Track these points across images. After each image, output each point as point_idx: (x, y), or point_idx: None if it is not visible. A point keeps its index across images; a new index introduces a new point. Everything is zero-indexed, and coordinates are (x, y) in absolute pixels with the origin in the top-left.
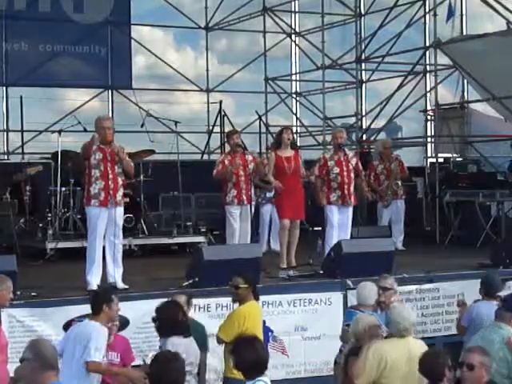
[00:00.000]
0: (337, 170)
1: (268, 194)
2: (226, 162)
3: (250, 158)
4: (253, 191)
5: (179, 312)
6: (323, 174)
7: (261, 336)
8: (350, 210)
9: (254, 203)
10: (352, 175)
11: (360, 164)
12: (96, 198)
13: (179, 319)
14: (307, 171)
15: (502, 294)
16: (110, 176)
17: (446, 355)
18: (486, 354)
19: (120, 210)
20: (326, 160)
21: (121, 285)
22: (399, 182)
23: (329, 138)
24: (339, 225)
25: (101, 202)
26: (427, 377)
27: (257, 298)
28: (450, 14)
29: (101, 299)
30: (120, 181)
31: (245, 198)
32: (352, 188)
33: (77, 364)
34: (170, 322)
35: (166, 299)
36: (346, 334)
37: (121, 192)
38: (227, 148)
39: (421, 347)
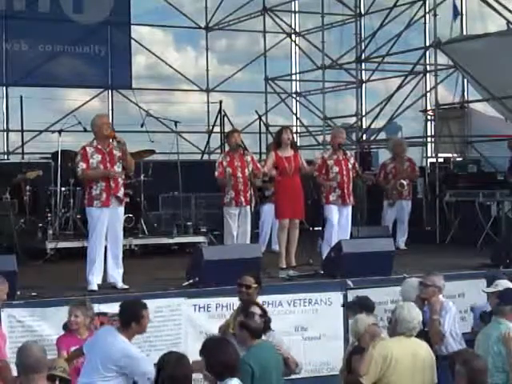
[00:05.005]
0: (336, 169)
1: (267, 193)
2: (224, 163)
3: (248, 158)
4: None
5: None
6: (322, 174)
7: None
8: (349, 209)
9: (253, 204)
10: (351, 174)
11: (357, 164)
12: (98, 199)
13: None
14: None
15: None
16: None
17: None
18: (469, 363)
19: (121, 209)
20: (324, 159)
21: (121, 285)
22: (404, 182)
23: (329, 138)
24: (339, 224)
25: (103, 202)
26: None
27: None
28: (456, 12)
29: (130, 316)
30: (120, 180)
31: (243, 199)
32: (351, 187)
33: (98, 372)
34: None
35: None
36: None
37: (122, 191)
38: (227, 148)
39: (426, 349)
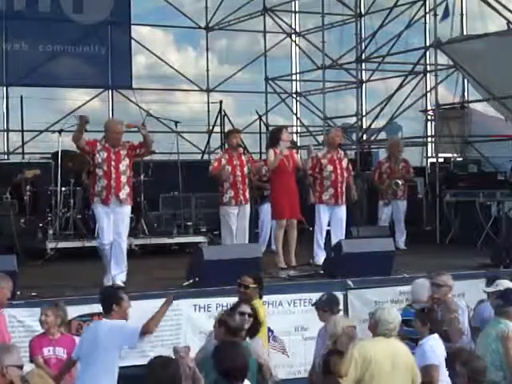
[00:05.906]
0: (330, 168)
1: (265, 192)
2: (223, 160)
3: (246, 158)
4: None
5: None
6: (315, 172)
7: (265, 334)
8: (343, 208)
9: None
10: (345, 174)
11: (350, 166)
12: (98, 196)
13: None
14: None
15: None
16: (113, 176)
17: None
18: (469, 363)
19: (125, 208)
20: (318, 158)
21: (117, 283)
22: (399, 182)
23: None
24: (333, 224)
25: (102, 200)
26: None
27: (260, 297)
28: (446, 14)
29: (109, 299)
30: (124, 179)
31: (242, 198)
32: (344, 187)
33: (102, 364)
34: None
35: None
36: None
37: (125, 190)
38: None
39: (405, 350)
